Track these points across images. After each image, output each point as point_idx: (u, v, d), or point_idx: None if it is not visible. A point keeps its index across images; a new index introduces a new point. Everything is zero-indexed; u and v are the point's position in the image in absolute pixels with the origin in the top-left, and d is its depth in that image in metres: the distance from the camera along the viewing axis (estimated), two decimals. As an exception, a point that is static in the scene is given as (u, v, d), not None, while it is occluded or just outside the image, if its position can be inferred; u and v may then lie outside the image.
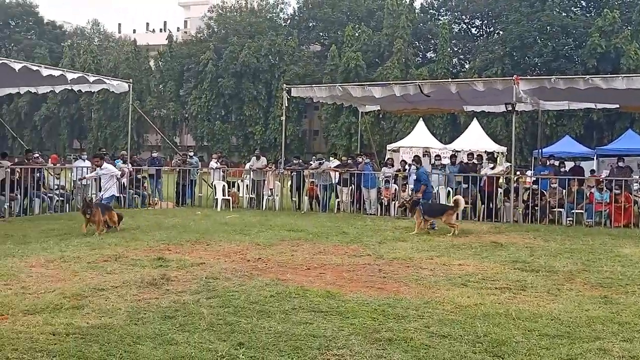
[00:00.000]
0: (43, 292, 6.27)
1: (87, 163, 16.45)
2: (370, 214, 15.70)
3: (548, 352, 4.75)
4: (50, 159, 22.54)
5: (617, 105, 18.87)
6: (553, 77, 15.06)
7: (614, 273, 7.89)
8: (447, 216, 11.98)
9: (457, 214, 12.55)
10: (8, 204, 13.41)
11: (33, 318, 5.33)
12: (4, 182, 13.37)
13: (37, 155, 16.53)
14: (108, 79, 17.49)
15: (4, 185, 13.34)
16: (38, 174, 14.60)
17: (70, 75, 14.99)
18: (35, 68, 13.67)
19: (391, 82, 18.26)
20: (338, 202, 16.68)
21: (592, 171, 18.69)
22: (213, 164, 18.59)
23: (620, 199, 13.82)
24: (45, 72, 13.91)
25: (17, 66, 13.04)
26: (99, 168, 12.01)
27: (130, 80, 18.14)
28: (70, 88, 17.59)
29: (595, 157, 24.38)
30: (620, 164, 16.67)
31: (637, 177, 16.63)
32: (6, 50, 60.78)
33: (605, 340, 5.00)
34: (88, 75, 16.35)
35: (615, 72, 36.35)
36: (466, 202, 15.20)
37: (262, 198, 17.21)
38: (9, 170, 13.57)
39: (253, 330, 5.10)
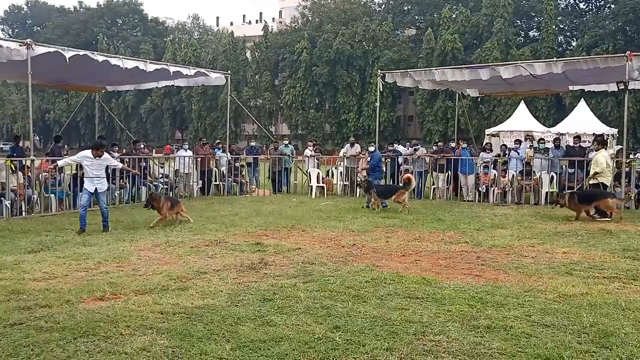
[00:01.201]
0: (151, 274, 6.68)
1: (189, 152, 17.24)
2: (468, 201, 15.30)
3: (661, 344, 4.45)
4: (165, 150, 23.80)
5: None
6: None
7: None
8: (398, 195, 12.93)
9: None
10: (118, 192, 14.37)
11: (143, 298, 5.69)
12: (115, 171, 14.28)
13: (143, 146, 17.45)
14: (208, 71, 18.13)
15: (114, 174, 14.26)
16: (144, 164, 15.42)
17: (172, 69, 15.69)
18: (142, 66, 14.44)
19: (491, 63, 17.53)
20: (434, 188, 16.39)
21: None
22: (307, 152, 18.86)
23: None
24: (150, 67, 14.66)
25: (128, 64, 13.93)
26: (91, 156, 9.98)
27: (228, 71, 18.76)
28: (172, 84, 18.41)
29: None
30: None
31: None
32: (114, 47, 64.77)
33: None
34: (189, 68, 17.04)
35: None
36: (571, 188, 14.48)
37: (356, 185, 17.25)
38: (118, 160, 14.45)
39: (349, 315, 5.15)
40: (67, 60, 12.21)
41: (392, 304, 5.50)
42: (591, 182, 12.57)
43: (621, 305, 5.41)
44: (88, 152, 10.21)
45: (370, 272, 6.81)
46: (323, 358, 4.24)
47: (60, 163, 11.21)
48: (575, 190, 13.18)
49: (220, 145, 18.88)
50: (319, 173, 17.42)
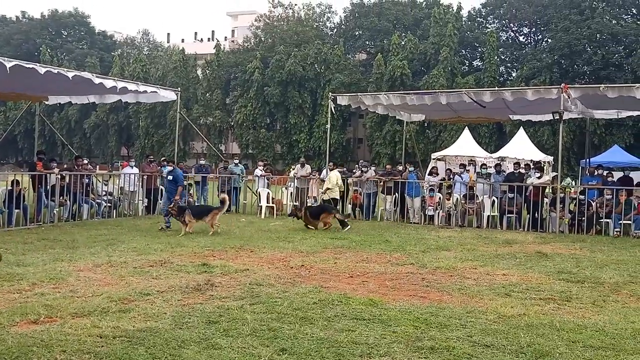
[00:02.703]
0: (91, 296, 6.45)
1: (135, 170, 16.87)
2: (414, 223, 15.57)
3: (593, 364, 4.65)
4: (121, 166, 23.21)
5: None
6: (602, 85, 14.66)
7: (666, 287, 7.62)
8: (213, 216, 12.64)
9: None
10: (57, 209, 13.79)
11: (81, 321, 5.48)
12: (54, 187, 13.76)
13: (86, 162, 16.93)
14: (157, 87, 17.83)
15: (54, 190, 13.69)
16: (87, 180, 14.91)
17: (120, 84, 15.30)
18: (87, 76, 13.97)
19: (437, 90, 18.06)
20: (382, 210, 16.60)
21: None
22: (258, 171, 18.79)
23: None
24: (96, 80, 14.18)
25: (69, 74, 13.42)
26: None
27: (178, 88, 18.56)
28: (119, 99, 17.95)
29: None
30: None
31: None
32: (58, 59, 62.85)
33: (655, 355, 4.84)
34: (138, 84, 16.69)
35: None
36: (511, 212, 14.97)
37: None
38: (59, 176, 13.93)
39: (295, 337, 5.13)
40: (8, 69, 11.78)
41: (339, 325, 5.52)
42: (325, 197, 15.09)
43: (556, 326, 5.61)
44: None
45: (318, 293, 6.82)
46: (268, 381, 4.21)
47: None
48: (312, 205, 15.39)
49: (167, 163, 18.54)
50: (268, 193, 17.37)
